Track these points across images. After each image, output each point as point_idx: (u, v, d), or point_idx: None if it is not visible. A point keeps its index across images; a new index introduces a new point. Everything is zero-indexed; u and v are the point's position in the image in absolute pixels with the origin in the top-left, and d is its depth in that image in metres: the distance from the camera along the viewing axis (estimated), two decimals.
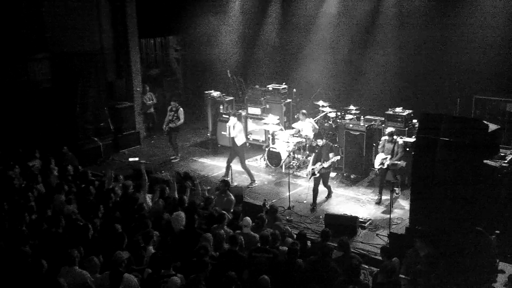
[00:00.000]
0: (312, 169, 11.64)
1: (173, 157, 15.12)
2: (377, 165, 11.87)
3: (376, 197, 12.00)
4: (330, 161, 11.45)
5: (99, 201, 9.85)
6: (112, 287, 6.80)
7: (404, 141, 12.00)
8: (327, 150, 11.55)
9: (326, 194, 12.24)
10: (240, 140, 12.99)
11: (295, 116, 15.21)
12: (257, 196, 12.17)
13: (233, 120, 12.99)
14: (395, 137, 11.72)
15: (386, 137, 11.76)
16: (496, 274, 8.65)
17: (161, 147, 16.28)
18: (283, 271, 7.55)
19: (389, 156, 11.58)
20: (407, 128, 12.85)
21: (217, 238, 8.25)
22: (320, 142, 11.59)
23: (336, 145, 13.33)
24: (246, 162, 13.44)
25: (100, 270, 7.30)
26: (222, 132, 15.44)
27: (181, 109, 14.96)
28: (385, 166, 11.65)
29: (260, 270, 7.36)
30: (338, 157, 11.72)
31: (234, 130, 12.93)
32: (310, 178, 11.68)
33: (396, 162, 11.59)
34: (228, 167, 13.15)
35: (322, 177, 11.69)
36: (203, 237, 8.16)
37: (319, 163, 11.53)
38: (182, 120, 14.93)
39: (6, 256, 7.68)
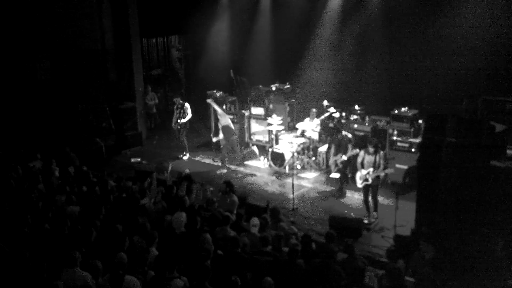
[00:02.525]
0: (335, 160, 12.16)
1: (182, 155, 15.16)
2: (359, 183, 10.96)
3: (365, 220, 10.91)
4: (349, 153, 11.82)
5: (101, 202, 9.78)
6: None
7: (385, 153, 11.43)
8: (345, 142, 11.97)
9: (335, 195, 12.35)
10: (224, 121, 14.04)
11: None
12: (261, 198, 12.05)
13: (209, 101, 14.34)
14: (377, 148, 10.88)
15: (368, 149, 10.79)
16: (504, 277, 8.55)
17: (163, 148, 16.15)
18: (283, 272, 7.47)
19: (371, 169, 10.70)
20: (412, 129, 12.72)
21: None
22: (339, 135, 12.12)
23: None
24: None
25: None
26: None
27: (187, 104, 14.99)
28: (370, 181, 10.79)
29: (261, 273, 7.29)
30: (357, 150, 11.52)
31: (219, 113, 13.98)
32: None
33: (380, 174, 10.78)
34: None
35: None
36: (202, 237, 8.07)
37: (340, 154, 12.01)
38: (190, 115, 15.07)
39: (8, 258, 7.61)
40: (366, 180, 10.81)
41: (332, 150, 12.40)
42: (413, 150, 12.16)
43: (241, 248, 7.90)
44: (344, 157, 11.97)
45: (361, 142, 12.68)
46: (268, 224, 8.88)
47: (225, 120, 14.31)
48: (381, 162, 10.70)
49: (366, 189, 10.98)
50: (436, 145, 8.90)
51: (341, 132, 12.19)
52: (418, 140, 12.09)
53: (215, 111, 14.93)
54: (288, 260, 7.65)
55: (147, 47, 19.70)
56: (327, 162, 13.66)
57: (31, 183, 10.91)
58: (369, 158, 10.74)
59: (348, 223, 10.44)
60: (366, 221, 10.74)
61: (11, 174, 11.25)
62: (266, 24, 18.24)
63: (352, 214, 11.31)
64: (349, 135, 12.30)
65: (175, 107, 15.12)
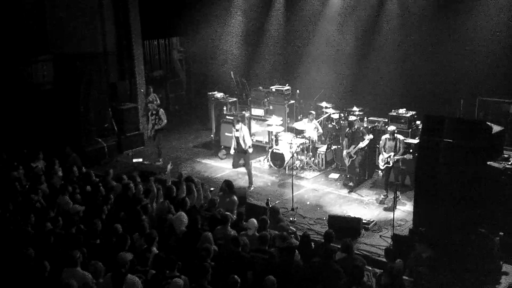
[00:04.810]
0: (348, 152, 12.50)
1: (158, 161, 14.86)
2: (381, 165, 11.86)
3: (381, 196, 11.95)
4: (365, 140, 12.32)
5: (104, 202, 9.88)
6: None
7: (404, 139, 12.01)
8: (359, 133, 12.40)
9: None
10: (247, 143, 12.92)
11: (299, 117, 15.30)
12: (260, 197, 12.14)
13: (238, 125, 12.93)
14: (395, 134, 11.72)
15: (387, 136, 11.74)
16: (500, 276, 8.65)
17: (164, 148, 16.21)
18: (283, 271, 7.52)
19: (392, 154, 11.57)
20: (410, 130, 12.84)
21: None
22: (353, 128, 12.48)
23: (339, 146, 13.52)
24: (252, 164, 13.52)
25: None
26: (226, 134, 15.43)
27: (161, 109, 14.93)
28: (391, 164, 11.62)
29: (260, 271, 7.37)
30: (371, 136, 12.47)
31: (241, 133, 12.88)
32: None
33: (400, 157, 11.56)
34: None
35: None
36: (203, 236, 8.17)
37: (353, 146, 12.39)
38: (165, 120, 14.79)
39: (11, 257, 7.70)
40: (388, 163, 11.69)
41: (345, 143, 12.63)
42: (411, 151, 12.24)
43: (241, 247, 8.00)
44: (361, 144, 12.32)
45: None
46: (267, 224, 8.97)
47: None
48: (401, 146, 11.62)
49: (387, 171, 11.84)
50: (433, 146, 8.99)
51: (354, 125, 12.52)
52: (416, 141, 12.19)
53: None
54: (285, 258, 7.72)
55: (148, 49, 19.76)
56: (326, 162, 13.84)
57: (34, 183, 11.01)
58: (390, 143, 11.68)
59: (346, 223, 10.52)
60: (364, 221, 10.78)
61: (14, 174, 11.35)
62: (267, 26, 18.31)
63: (350, 213, 11.39)
64: (361, 127, 12.64)
65: (149, 113, 15.01)
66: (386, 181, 11.96)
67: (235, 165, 13.49)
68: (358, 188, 12.73)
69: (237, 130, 12.93)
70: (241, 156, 13.07)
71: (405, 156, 11.60)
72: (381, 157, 11.87)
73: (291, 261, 7.67)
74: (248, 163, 13.11)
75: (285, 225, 9.37)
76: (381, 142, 11.97)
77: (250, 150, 12.96)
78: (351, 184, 12.76)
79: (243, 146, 12.87)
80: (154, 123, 14.77)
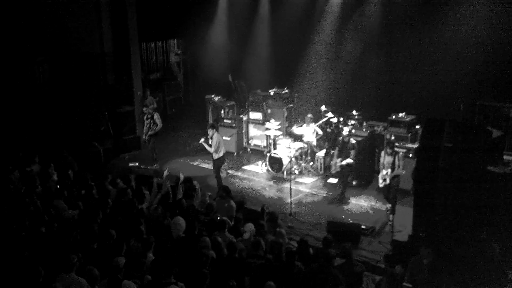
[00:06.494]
0: (335, 162, 12.31)
1: (154, 165, 14.75)
2: (380, 182, 11.47)
3: (389, 209, 11.46)
4: (346, 161, 12.02)
5: (99, 206, 9.77)
6: None
7: (403, 153, 11.72)
8: (350, 147, 12.10)
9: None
10: (216, 154, 12.73)
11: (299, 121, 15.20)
12: (258, 203, 12.03)
13: (210, 132, 12.76)
14: (396, 149, 11.34)
15: (386, 151, 11.28)
16: (501, 283, 8.56)
17: (161, 152, 16.13)
18: (281, 274, 7.45)
19: (389, 170, 11.15)
20: (410, 134, 12.77)
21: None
22: (353, 140, 12.26)
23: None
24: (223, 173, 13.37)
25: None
26: (224, 137, 15.31)
27: (156, 113, 14.89)
28: (388, 182, 11.20)
29: (258, 277, 7.28)
30: (351, 160, 12.12)
31: (212, 141, 12.68)
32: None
33: (397, 174, 11.17)
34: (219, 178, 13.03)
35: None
36: (201, 241, 8.07)
37: (340, 159, 12.17)
38: (160, 125, 14.79)
39: (5, 262, 7.59)
40: (385, 180, 11.21)
41: (336, 151, 12.48)
42: (410, 155, 12.17)
43: (238, 253, 7.91)
44: (344, 162, 12.07)
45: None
46: (264, 230, 8.87)
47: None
48: (400, 163, 11.08)
49: (385, 189, 11.37)
50: (433, 150, 8.92)
51: (342, 134, 12.37)
52: (415, 146, 12.11)
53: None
54: (286, 261, 7.64)
55: (146, 51, 19.72)
56: (325, 167, 13.75)
57: (29, 187, 10.89)
58: (388, 159, 11.15)
59: (346, 228, 10.47)
60: (364, 226, 10.72)
61: (9, 178, 11.23)
62: (265, 29, 18.24)
63: (349, 219, 11.31)
64: (353, 141, 12.34)
65: (145, 117, 14.98)
66: (387, 198, 11.52)
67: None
68: (357, 194, 12.66)
69: (210, 138, 12.73)
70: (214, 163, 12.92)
71: (400, 171, 11.16)
72: (380, 174, 11.45)
73: (292, 266, 7.57)
74: (217, 171, 12.94)
75: (284, 232, 9.26)
76: (380, 158, 11.54)
77: (215, 156, 12.71)
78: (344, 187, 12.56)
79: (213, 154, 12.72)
80: (149, 127, 14.69)
